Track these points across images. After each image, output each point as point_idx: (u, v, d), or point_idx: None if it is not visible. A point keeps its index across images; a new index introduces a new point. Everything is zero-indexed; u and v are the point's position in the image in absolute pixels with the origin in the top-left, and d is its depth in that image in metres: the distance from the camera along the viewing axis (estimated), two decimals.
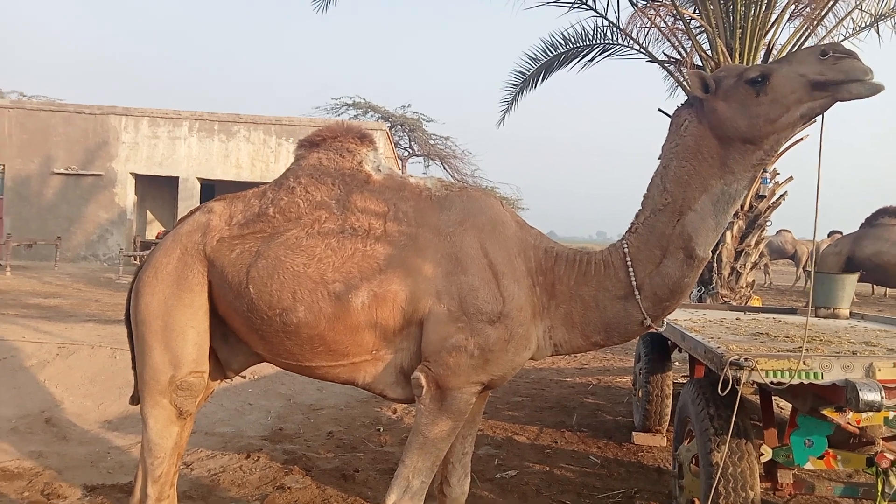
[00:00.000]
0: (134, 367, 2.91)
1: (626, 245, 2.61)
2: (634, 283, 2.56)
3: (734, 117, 2.37)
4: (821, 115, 2.37)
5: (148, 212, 20.58)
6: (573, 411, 6.30)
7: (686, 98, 2.64)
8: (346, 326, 2.55)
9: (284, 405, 6.19)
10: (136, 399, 2.97)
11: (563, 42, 9.79)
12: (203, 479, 4.25)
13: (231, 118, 18.39)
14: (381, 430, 5.53)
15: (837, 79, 2.21)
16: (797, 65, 2.29)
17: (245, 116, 18.41)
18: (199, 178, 18.43)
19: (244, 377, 6.99)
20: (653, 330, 2.66)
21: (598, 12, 8.97)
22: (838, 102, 2.28)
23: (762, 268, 24.33)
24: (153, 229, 20.30)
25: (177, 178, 18.37)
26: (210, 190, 18.60)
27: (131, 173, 18.36)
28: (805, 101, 2.27)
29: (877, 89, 2.19)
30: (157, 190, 19.82)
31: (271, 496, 3.99)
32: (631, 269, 2.57)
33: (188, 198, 17.87)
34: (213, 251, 2.69)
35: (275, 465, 4.56)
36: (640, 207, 2.65)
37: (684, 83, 8.76)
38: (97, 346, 6.74)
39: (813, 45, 1.98)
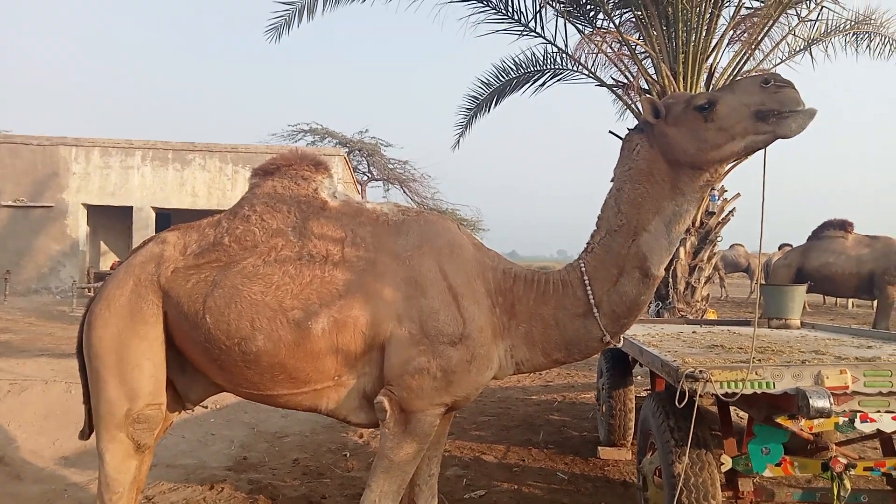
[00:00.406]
0: (86, 402, 2.85)
1: (583, 264, 2.69)
2: (593, 301, 2.63)
3: (683, 142, 2.47)
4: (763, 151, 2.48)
5: (102, 242, 20.11)
6: (539, 429, 6.34)
7: (636, 123, 2.74)
8: (307, 353, 2.55)
9: (248, 434, 6.09)
10: (85, 434, 2.92)
11: (514, 67, 10.01)
12: None
13: (185, 146, 18.17)
14: (348, 455, 5.48)
15: (776, 108, 2.32)
16: (740, 94, 2.40)
17: (200, 145, 18.21)
18: (153, 208, 18.11)
19: (206, 407, 6.85)
20: (611, 346, 2.73)
21: (546, 39, 9.18)
22: (779, 140, 2.38)
23: (717, 281, 24.94)
24: (107, 260, 19.81)
25: (130, 207, 18.02)
26: (166, 219, 18.27)
27: (83, 204, 17.95)
28: (749, 132, 2.38)
29: (810, 119, 2.32)
30: (111, 220, 19.39)
31: None
32: (589, 288, 2.64)
33: (143, 227, 17.53)
34: (167, 282, 2.67)
35: (239, 495, 4.48)
36: (596, 228, 2.72)
37: (633, 106, 9.01)
38: (51, 381, 6.55)
39: (755, 74, 2.11)
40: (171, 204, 18.10)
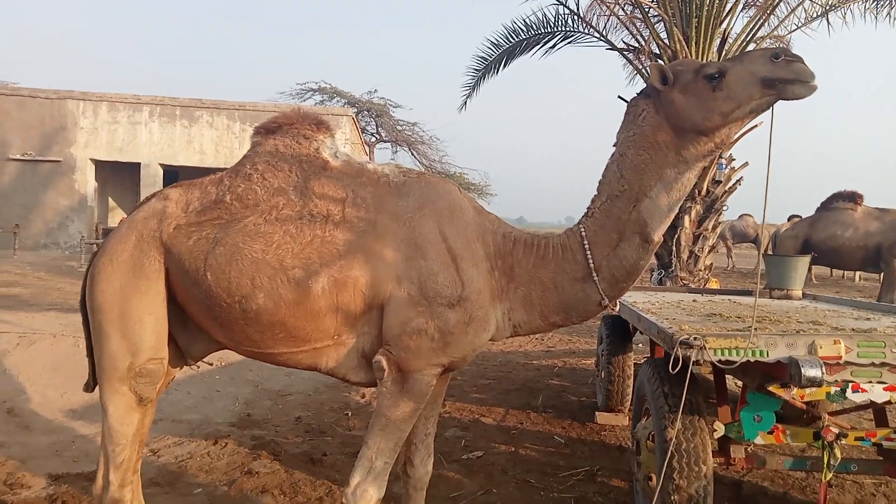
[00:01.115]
0: (89, 355, 2.90)
1: (583, 229, 2.70)
2: (592, 265, 2.65)
3: (691, 109, 2.48)
4: (770, 111, 2.49)
5: (110, 198, 20.19)
6: (539, 393, 6.42)
7: (643, 88, 2.71)
8: (307, 312, 2.58)
9: (252, 391, 6.20)
10: (89, 386, 2.97)
11: (524, 28, 9.82)
12: (170, 466, 4.26)
13: (193, 103, 18.07)
14: (350, 414, 5.58)
15: (788, 77, 2.35)
16: (750, 64, 2.42)
17: (208, 101, 18.11)
18: (161, 165, 18.12)
19: (211, 364, 6.97)
20: (608, 310, 2.76)
21: (557, 0, 9.02)
22: (781, 101, 2.42)
23: (725, 251, 24.88)
24: (116, 216, 19.91)
25: (138, 164, 18.03)
26: (173, 176, 18.30)
27: (91, 159, 17.96)
28: (756, 97, 2.40)
29: (813, 91, 2.36)
30: (119, 176, 19.43)
31: (239, 481, 4.02)
32: (589, 252, 2.66)
33: (151, 184, 17.56)
34: (169, 238, 2.69)
35: (243, 450, 4.59)
36: (597, 193, 2.73)
37: (643, 71, 8.87)
38: (59, 335, 6.66)
39: (764, 48, 2.10)
40: (179, 161, 18.10)
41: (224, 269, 2.58)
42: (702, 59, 8.17)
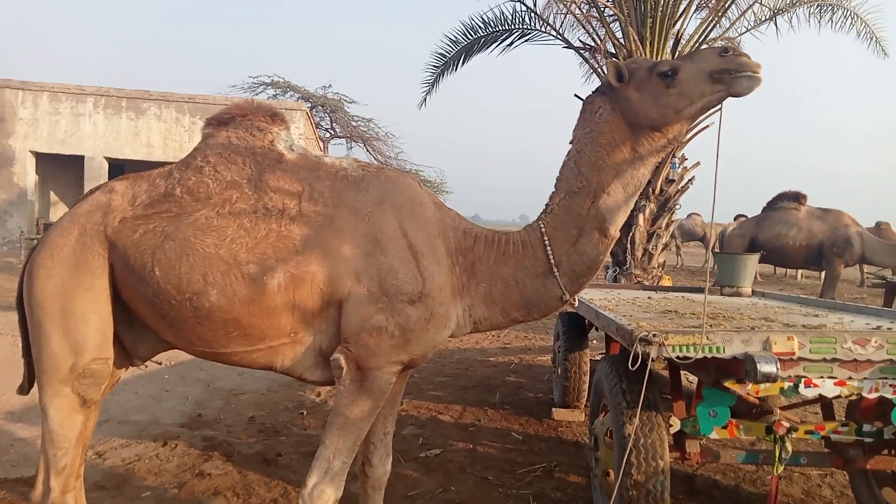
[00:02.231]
0: (25, 356, 2.76)
1: (542, 225, 2.71)
2: (553, 260, 2.67)
3: (646, 105, 2.53)
4: (720, 109, 2.58)
5: (51, 192, 19.44)
6: (496, 390, 6.43)
7: (598, 86, 2.75)
8: (262, 309, 2.50)
9: (203, 391, 6.04)
10: (23, 389, 2.84)
11: (482, 25, 9.86)
12: (117, 469, 4.11)
13: (141, 95, 17.53)
14: (305, 413, 5.48)
15: (734, 68, 2.42)
16: (700, 61, 2.50)
17: (156, 94, 17.60)
18: (106, 158, 17.53)
19: (160, 363, 6.76)
20: (569, 305, 2.77)
21: None
22: (731, 98, 2.50)
23: (674, 249, 25.45)
24: (58, 211, 19.18)
25: (82, 157, 17.40)
26: (119, 170, 17.70)
27: (31, 151, 17.27)
28: (707, 93, 2.47)
29: (759, 83, 2.43)
30: (61, 169, 18.72)
31: (190, 483, 3.90)
32: (549, 248, 2.67)
33: (96, 178, 16.97)
34: (114, 232, 2.57)
35: (193, 451, 4.46)
36: (555, 190, 2.74)
37: (599, 70, 8.99)
38: None
39: (714, 46, 2.20)
40: (126, 154, 17.53)
41: (174, 265, 2.47)
42: (656, 58, 8.32)
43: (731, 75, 2.42)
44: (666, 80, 2.49)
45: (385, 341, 2.51)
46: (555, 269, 2.66)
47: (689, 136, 8.78)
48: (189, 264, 2.47)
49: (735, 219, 15.47)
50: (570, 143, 2.74)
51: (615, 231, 2.67)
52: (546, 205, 2.75)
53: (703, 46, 8.75)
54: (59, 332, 2.55)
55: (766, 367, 2.50)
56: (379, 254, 2.54)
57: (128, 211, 2.60)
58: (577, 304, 2.86)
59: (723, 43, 9.10)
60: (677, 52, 8.55)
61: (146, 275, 2.50)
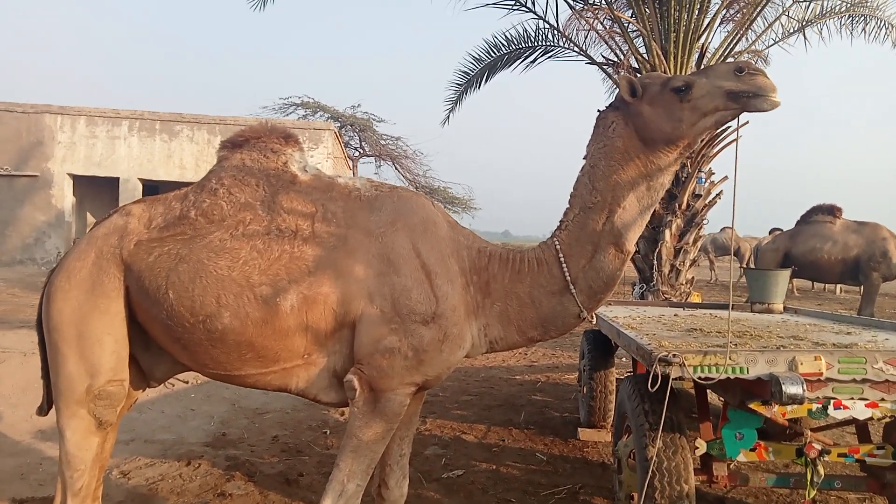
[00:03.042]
0: (44, 377, 2.79)
1: (557, 242, 2.68)
2: (569, 277, 2.64)
3: (659, 120, 2.52)
4: (737, 122, 2.59)
5: (88, 214, 19.90)
6: (521, 409, 6.35)
7: (612, 101, 2.73)
8: (275, 331, 2.50)
9: (228, 410, 6.07)
10: (42, 409, 2.86)
11: (505, 43, 9.90)
12: (140, 489, 4.13)
13: (173, 117, 17.93)
14: (328, 432, 5.47)
15: (751, 91, 2.40)
16: (714, 77, 2.48)
17: (188, 116, 17.97)
18: (140, 179, 17.92)
19: (186, 382, 6.83)
20: (587, 322, 2.74)
21: (537, 14, 9.08)
22: (745, 113, 2.50)
23: (708, 265, 25.06)
24: None
25: (117, 178, 17.82)
26: (153, 190, 18.09)
27: (69, 174, 17.73)
28: (720, 108, 2.47)
29: (776, 105, 2.42)
30: (97, 191, 19.18)
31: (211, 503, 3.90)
32: (565, 265, 2.64)
33: (130, 199, 17.15)
34: (130, 255, 2.59)
35: (216, 471, 4.46)
36: (569, 206, 2.72)
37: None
38: (30, 353, 6.48)
39: (729, 62, 2.22)
40: (159, 176, 17.91)
41: (187, 287, 2.48)
42: (680, 73, 8.23)
43: (746, 97, 2.41)
44: (679, 94, 2.48)
45: (398, 362, 2.49)
46: (571, 287, 2.63)
47: (715, 150, 8.65)
48: (202, 286, 2.48)
49: (770, 232, 15.15)
50: (584, 158, 2.73)
51: (631, 246, 2.64)
52: (561, 221, 2.73)
53: (727, 60, 8.65)
54: (76, 354, 2.57)
55: (791, 389, 2.42)
56: (392, 274, 2.53)
57: (143, 234, 2.63)
58: (594, 321, 2.82)
59: (749, 57, 9.00)
60: (702, 66, 8.46)
61: (160, 297, 2.52)
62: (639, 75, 2.62)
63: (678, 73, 8.21)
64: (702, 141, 7.26)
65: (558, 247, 2.66)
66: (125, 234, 2.63)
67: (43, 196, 17.60)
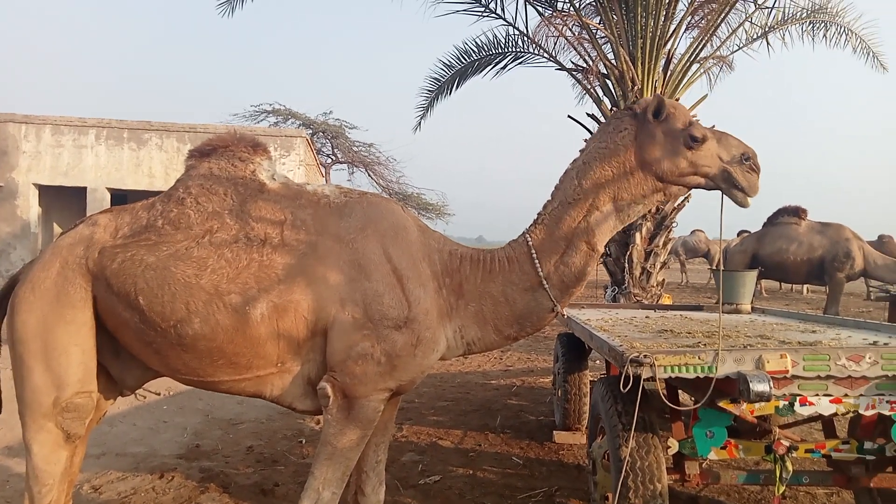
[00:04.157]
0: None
1: (529, 239, 2.72)
2: (542, 273, 2.68)
3: (664, 151, 2.61)
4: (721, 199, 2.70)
5: (55, 224, 19.50)
6: (497, 413, 6.37)
7: (632, 108, 2.75)
8: (246, 339, 2.48)
9: (202, 421, 6.00)
10: None
11: (475, 49, 9.97)
12: (112, 503, 4.06)
13: (141, 126, 17.66)
14: (304, 441, 5.43)
15: (741, 185, 2.59)
16: (724, 149, 2.61)
17: (156, 124, 17.72)
18: (109, 189, 17.60)
19: (158, 394, 6.73)
20: (560, 315, 2.78)
21: (507, 21, 9.19)
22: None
23: (679, 267, 25.38)
24: None
25: (84, 188, 17.48)
26: (121, 200, 17.77)
27: (34, 184, 17.33)
28: (709, 175, 2.61)
29: (746, 206, 2.63)
30: (64, 201, 18.80)
31: None
32: (537, 261, 2.68)
33: (98, 209, 16.76)
34: (96, 265, 2.56)
35: (190, 483, 4.41)
36: (550, 198, 2.77)
37: (592, 90, 9.04)
38: None
39: (742, 141, 2.38)
40: (127, 185, 17.61)
41: (156, 293, 2.46)
42: (647, 78, 8.36)
43: (735, 187, 2.58)
44: (693, 143, 2.57)
45: (371, 368, 2.49)
46: (544, 282, 2.67)
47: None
48: (171, 293, 2.46)
49: (738, 234, 15.43)
50: (580, 151, 2.77)
51: (601, 247, 2.71)
52: (538, 214, 2.77)
53: (695, 66, 8.80)
54: (41, 366, 2.53)
55: (758, 386, 2.47)
56: (363, 280, 2.53)
57: (109, 243, 2.59)
58: (566, 315, 2.88)
59: (713, 62, 9.16)
60: (669, 72, 8.59)
61: (131, 302, 2.49)
62: (668, 101, 2.70)
63: (645, 78, 8.34)
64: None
65: (531, 243, 2.70)
66: (91, 244, 2.59)
67: (7, 207, 17.20)
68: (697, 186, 2.69)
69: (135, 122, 17.85)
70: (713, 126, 2.74)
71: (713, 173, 2.59)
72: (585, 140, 2.80)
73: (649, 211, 8.43)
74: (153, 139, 17.68)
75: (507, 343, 2.89)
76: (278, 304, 2.48)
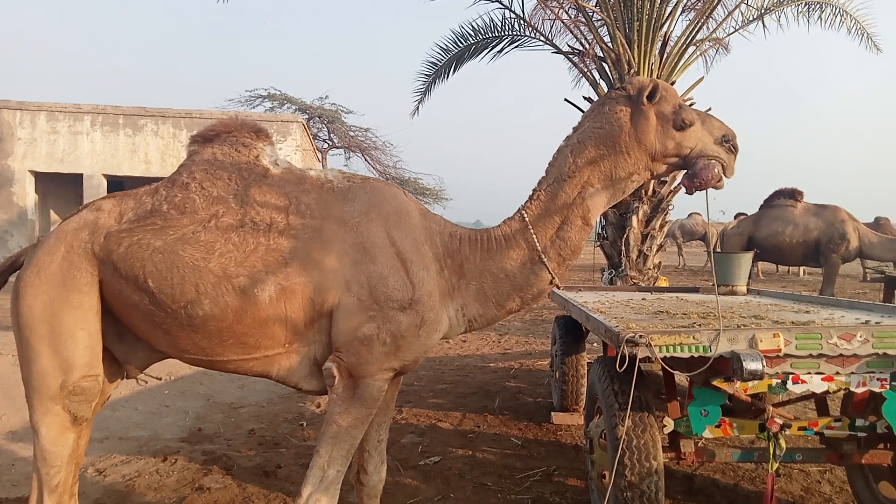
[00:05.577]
0: None
1: (526, 215, 2.80)
2: (539, 247, 2.77)
3: (655, 132, 2.72)
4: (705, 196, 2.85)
5: (52, 211, 19.48)
6: (496, 395, 6.44)
7: (626, 89, 2.82)
8: (254, 320, 2.53)
9: (204, 405, 6.06)
10: None
11: (472, 33, 9.93)
12: (117, 486, 4.13)
13: (137, 111, 17.61)
14: (305, 424, 5.50)
15: (722, 161, 2.73)
16: (707, 130, 2.75)
17: (152, 110, 17.67)
18: (105, 175, 17.59)
19: (160, 379, 6.76)
20: (555, 286, 2.90)
21: (503, 4, 9.14)
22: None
23: (676, 249, 25.47)
24: None
25: (80, 174, 17.45)
26: (118, 186, 17.77)
27: (30, 171, 17.32)
28: (692, 155, 2.74)
29: (721, 187, 2.77)
30: (61, 188, 18.78)
31: (189, 498, 3.92)
32: (534, 236, 2.77)
33: (94, 195, 16.95)
34: (102, 249, 2.59)
35: (193, 466, 4.47)
36: (544, 175, 2.85)
37: (588, 73, 9.04)
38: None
39: (722, 122, 2.51)
40: (123, 171, 17.60)
41: (165, 276, 2.50)
42: (644, 61, 8.35)
43: (708, 160, 2.71)
44: (682, 126, 2.70)
45: (377, 349, 2.54)
46: (542, 256, 2.76)
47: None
48: (180, 275, 2.50)
49: (735, 217, 15.46)
50: (574, 129, 2.84)
51: (594, 221, 2.84)
52: (534, 190, 2.85)
53: (692, 49, 8.79)
54: (48, 350, 2.56)
55: (751, 365, 2.52)
56: (368, 262, 2.57)
57: (114, 228, 2.62)
58: (562, 286, 3.01)
59: (710, 45, 9.14)
60: (665, 55, 8.58)
61: (140, 284, 2.53)
62: (661, 83, 2.79)
63: (641, 60, 8.33)
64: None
65: (528, 219, 2.78)
66: (96, 229, 2.62)
67: (4, 194, 17.19)
68: (678, 168, 2.83)
69: (130, 107, 17.80)
70: (709, 109, 2.81)
71: (705, 148, 2.73)
72: (582, 117, 2.86)
73: (646, 193, 8.46)
74: (149, 125, 17.64)
75: (509, 315, 2.99)
76: (286, 287, 2.53)
